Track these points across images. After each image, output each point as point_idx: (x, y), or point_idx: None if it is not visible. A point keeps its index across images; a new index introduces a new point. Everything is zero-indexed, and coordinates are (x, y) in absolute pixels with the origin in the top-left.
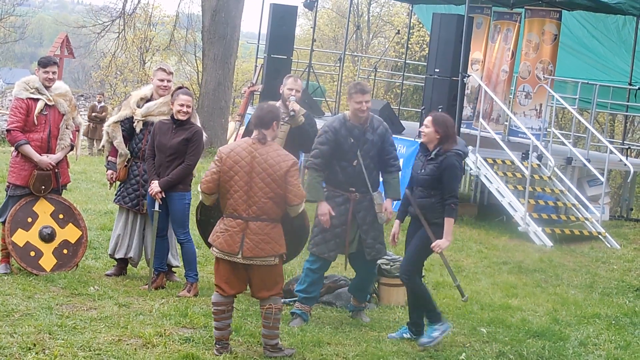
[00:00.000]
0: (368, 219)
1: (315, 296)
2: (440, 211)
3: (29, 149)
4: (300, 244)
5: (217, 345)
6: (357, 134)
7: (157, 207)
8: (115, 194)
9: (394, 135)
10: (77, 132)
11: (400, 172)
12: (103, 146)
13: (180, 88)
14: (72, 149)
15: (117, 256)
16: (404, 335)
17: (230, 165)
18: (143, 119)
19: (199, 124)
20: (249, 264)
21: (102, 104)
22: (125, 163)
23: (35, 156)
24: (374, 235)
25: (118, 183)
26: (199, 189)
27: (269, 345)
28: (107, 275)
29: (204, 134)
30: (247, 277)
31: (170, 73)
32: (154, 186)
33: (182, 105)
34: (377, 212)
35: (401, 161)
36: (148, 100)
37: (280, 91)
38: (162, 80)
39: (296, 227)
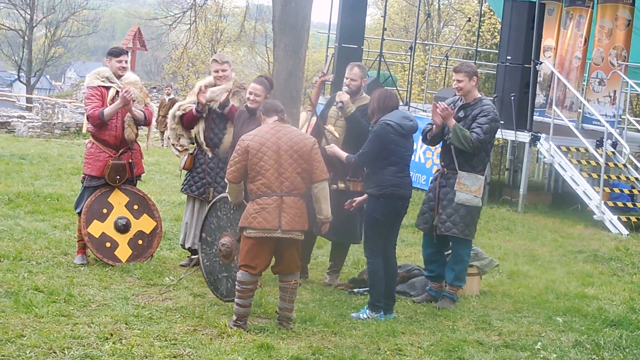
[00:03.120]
0: (449, 196)
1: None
2: (368, 181)
3: (110, 107)
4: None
5: (240, 322)
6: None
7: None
8: (183, 184)
9: None
10: (152, 115)
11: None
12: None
13: (260, 77)
14: (146, 124)
15: (187, 245)
16: (361, 315)
17: (257, 147)
18: (208, 103)
19: None
20: (283, 238)
21: (171, 96)
22: (191, 152)
23: (117, 103)
24: (448, 212)
25: (185, 172)
26: (226, 179)
27: (286, 317)
28: (182, 265)
29: None
30: (273, 254)
31: (225, 62)
32: None
33: (250, 93)
34: (456, 191)
35: None
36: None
37: None
38: (216, 71)
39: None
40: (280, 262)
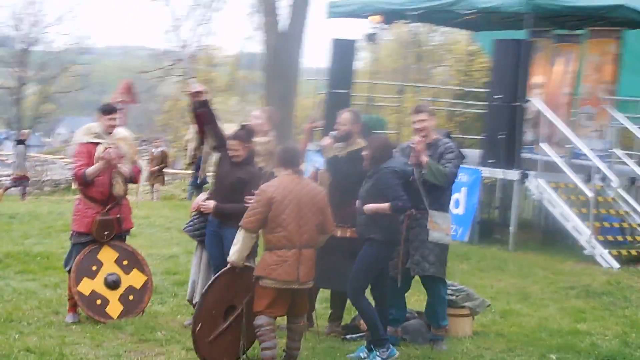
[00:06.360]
0: (420, 236)
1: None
2: (374, 227)
3: (93, 168)
4: None
5: None
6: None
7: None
8: (188, 222)
9: None
10: (139, 174)
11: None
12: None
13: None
14: (132, 181)
15: (195, 302)
16: (360, 355)
17: (280, 199)
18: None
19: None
20: (298, 288)
21: (160, 148)
22: (207, 195)
23: (99, 164)
24: (423, 252)
25: (193, 213)
26: (243, 227)
27: (294, 356)
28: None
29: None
30: (290, 302)
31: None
32: (209, 202)
33: (229, 149)
34: (429, 230)
35: (464, 190)
36: None
37: None
38: None
39: None
40: (292, 306)
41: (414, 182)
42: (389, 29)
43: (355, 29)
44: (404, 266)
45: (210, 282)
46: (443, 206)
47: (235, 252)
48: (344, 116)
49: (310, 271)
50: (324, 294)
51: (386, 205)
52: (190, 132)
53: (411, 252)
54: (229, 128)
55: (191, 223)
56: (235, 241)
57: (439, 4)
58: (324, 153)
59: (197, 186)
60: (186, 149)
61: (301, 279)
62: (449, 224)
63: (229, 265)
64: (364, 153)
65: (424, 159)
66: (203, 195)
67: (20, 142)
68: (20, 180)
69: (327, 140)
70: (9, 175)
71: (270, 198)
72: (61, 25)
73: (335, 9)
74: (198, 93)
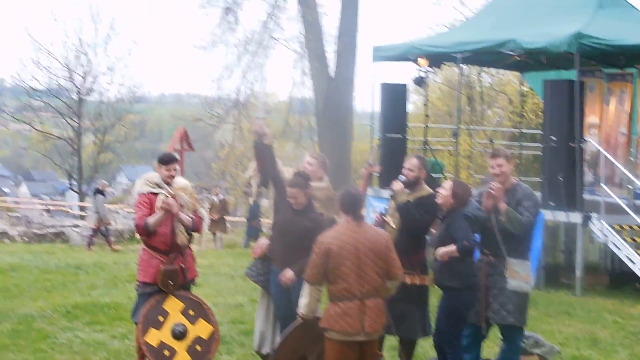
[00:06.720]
0: (499, 284)
1: None
2: (449, 273)
3: (153, 217)
4: None
5: None
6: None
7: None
8: (249, 267)
9: None
10: (201, 222)
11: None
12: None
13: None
14: (195, 230)
15: (264, 352)
16: None
17: (337, 251)
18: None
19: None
20: (365, 340)
21: (220, 196)
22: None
23: (160, 213)
24: (501, 301)
25: (255, 258)
26: (306, 280)
27: None
28: None
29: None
30: (358, 354)
31: None
32: (287, 273)
33: (289, 197)
34: (507, 278)
35: None
36: None
37: None
38: None
39: None
40: (362, 356)
41: (491, 229)
42: (438, 71)
43: (403, 72)
44: (484, 314)
45: (283, 335)
46: (522, 253)
47: (304, 305)
48: (413, 162)
49: (377, 320)
50: (391, 341)
51: (454, 247)
52: (251, 169)
53: (490, 300)
54: (287, 173)
55: (254, 268)
56: (302, 293)
57: (485, 46)
58: (396, 198)
59: (252, 234)
60: (246, 188)
61: (367, 330)
62: (528, 272)
63: (299, 319)
64: (441, 197)
65: (502, 205)
66: (264, 240)
67: (99, 192)
68: (99, 230)
69: (398, 185)
70: (73, 226)
71: (328, 250)
72: (114, 74)
73: (381, 52)
74: (262, 135)
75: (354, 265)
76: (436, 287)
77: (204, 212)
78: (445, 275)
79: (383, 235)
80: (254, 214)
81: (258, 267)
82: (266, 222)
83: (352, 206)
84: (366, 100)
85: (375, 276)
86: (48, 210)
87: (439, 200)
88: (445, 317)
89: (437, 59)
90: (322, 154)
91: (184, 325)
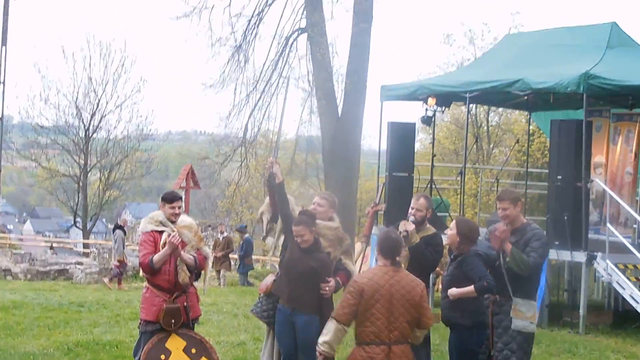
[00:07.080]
0: (504, 323)
1: None
2: (459, 311)
3: (158, 255)
4: None
5: None
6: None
7: None
8: (256, 304)
9: None
10: (205, 261)
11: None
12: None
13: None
14: (197, 269)
15: None
16: None
17: (370, 293)
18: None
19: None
20: None
21: (225, 234)
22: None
23: (164, 250)
24: (505, 340)
25: (261, 295)
26: (335, 319)
27: None
28: None
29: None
30: None
31: None
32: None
33: (296, 236)
34: (512, 317)
35: None
36: None
37: None
38: None
39: None
40: None
41: (499, 268)
42: (445, 111)
43: (410, 110)
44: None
45: None
46: (528, 293)
47: (325, 342)
48: (421, 202)
49: None
50: None
51: (471, 287)
52: (265, 205)
53: (494, 339)
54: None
55: (259, 305)
56: (325, 331)
57: (493, 86)
58: (408, 239)
59: (244, 273)
60: (261, 222)
61: None
62: (534, 312)
63: (319, 357)
64: (448, 237)
65: (507, 246)
66: (271, 277)
67: (119, 227)
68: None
69: (411, 226)
70: (77, 264)
71: (361, 290)
72: (121, 111)
73: (389, 92)
74: (274, 175)
75: (385, 309)
76: (440, 324)
77: (208, 251)
78: (456, 313)
79: (419, 284)
80: (247, 251)
81: (263, 303)
82: (263, 259)
83: (391, 251)
84: (373, 138)
85: (405, 324)
86: (52, 248)
87: (446, 241)
88: (457, 356)
89: (446, 99)
90: (332, 194)
91: None
